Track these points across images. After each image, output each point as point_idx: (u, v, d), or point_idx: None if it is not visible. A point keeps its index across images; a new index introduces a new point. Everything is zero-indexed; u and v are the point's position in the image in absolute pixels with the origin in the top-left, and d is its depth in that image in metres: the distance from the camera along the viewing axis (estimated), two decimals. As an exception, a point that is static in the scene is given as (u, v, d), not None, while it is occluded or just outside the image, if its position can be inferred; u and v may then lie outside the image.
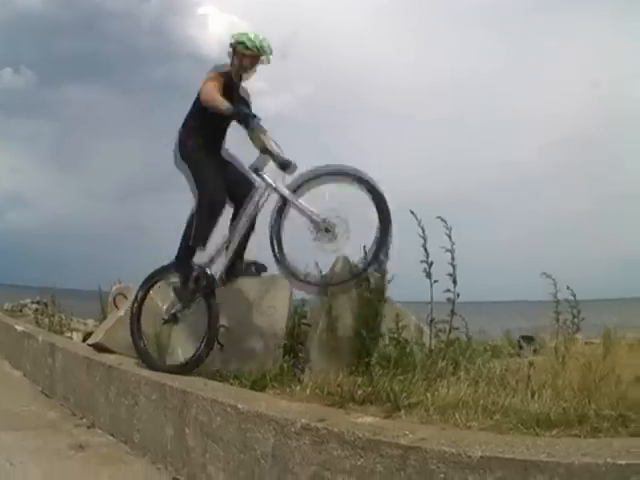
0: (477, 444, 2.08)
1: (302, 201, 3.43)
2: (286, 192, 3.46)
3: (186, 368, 3.58)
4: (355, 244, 3.40)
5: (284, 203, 3.47)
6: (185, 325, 3.89)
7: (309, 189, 3.47)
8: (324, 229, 3.32)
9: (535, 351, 4.21)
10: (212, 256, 3.72)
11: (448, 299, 3.29)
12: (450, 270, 3.29)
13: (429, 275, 3.29)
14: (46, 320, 7.34)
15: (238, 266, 3.71)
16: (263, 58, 3.70)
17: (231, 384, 3.29)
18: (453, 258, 3.29)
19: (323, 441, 2.36)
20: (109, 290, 6.07)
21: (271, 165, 3.63)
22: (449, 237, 3.29)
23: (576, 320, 3.69)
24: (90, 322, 7.18)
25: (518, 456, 1.98)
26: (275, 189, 3.51)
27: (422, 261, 3.31)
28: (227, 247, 3.66)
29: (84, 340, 5.30)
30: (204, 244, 3.66)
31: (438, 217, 3.34)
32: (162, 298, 4.05)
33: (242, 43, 3.64)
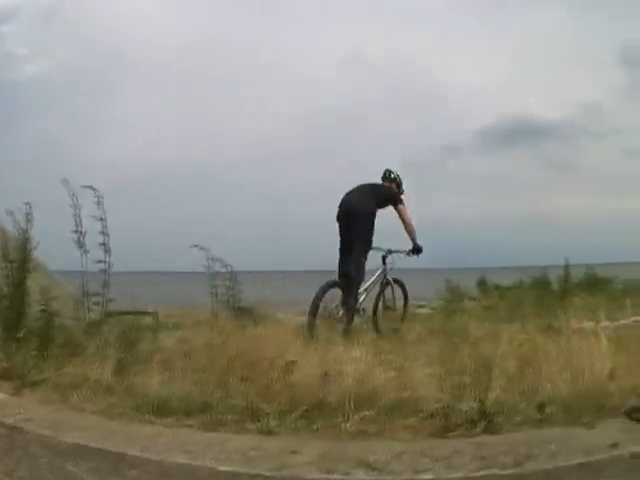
0: (75, 429, 2.03)
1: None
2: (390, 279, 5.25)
3: None
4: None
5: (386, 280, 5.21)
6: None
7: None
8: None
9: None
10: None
11: (101, 270, 3.34)
12: (102, 239, 3.38)
13: (81, 245, 3.31)
14: None
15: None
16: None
17: None
18: (105, 227, 3.34)
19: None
20: None
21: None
22: (98, 205, 3.36)
23: (232, 292, 3.93)
24: None
25: (111, 447, 1.88)
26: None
27: (74, 231, 3.32)
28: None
29: None
30: None
31: (87, 186, 3.34)
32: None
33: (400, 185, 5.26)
